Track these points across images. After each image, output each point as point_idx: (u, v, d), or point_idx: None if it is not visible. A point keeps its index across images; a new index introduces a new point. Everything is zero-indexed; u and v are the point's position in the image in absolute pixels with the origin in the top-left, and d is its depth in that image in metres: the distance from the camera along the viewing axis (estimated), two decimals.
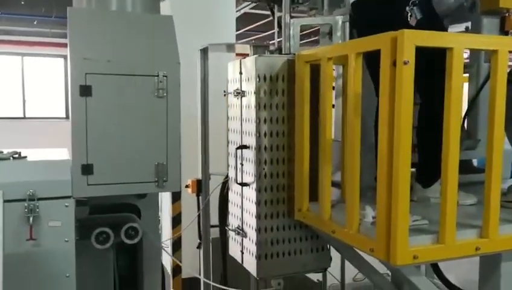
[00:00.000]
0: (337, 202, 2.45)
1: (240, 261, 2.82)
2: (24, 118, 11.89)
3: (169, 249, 4.62)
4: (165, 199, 4.91)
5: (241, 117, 2.71)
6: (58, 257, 2.07)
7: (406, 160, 1.75)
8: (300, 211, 2.51)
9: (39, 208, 2.02)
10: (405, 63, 1.71)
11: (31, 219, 1.99)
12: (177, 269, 4.70)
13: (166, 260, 4.84)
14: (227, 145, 2.95)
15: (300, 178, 2.49)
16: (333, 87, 2.96)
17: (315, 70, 2.47)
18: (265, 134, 2.54)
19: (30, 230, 2.00)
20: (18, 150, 2.26)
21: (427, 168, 2.42)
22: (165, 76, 2.18)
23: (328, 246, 2.74)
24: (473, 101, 3.01)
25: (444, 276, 3.93)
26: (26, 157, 2.21)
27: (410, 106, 1.75)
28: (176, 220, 4.62)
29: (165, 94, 2.19)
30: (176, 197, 4.60)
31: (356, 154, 2.03)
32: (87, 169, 2.11)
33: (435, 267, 3.91)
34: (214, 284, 3.22)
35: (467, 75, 3.20)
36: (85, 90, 2.07)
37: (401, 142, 1.74)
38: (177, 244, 4.62)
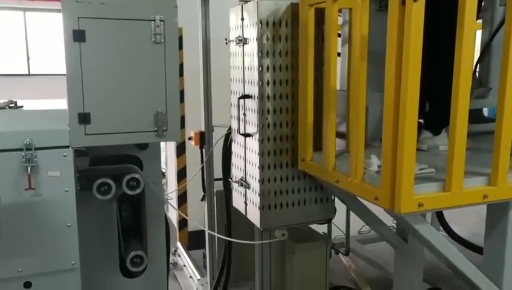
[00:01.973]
0: (341, 152, 2.40)
1: (244, 213, 2.81)
2: (29, 75, 11.82)
3: (175, 203, 4.64)
4: (170, 152, 4.89)
5: (243, 66, 2.63)
6: (59, 207, 2.05)
7: (413, 104, 1.67)
8: (304, 161, 2.46)
9: (37, 157, 1.98)
10: (415, 0, 1.60)
11: (29, 168, 1.95)
12: (183, 222, 4.74)
13: (172, 213, 4.88)
14: (230, 96, 2.88)
15: (304, 128, 2.43)
16: (339, 35, 2.86)
17: (320, 15, 2.36)
18: (268, 83, 2.47)
19: (29, 179, 1.96)
20: (14, 100, 2.20)
21: (437, 115, 2.34)
22: (162, 20, 2.07)
23: (333, 197, 2.71)
24: (485, 48, 2.89)
25: (449, 227, 3.93)
26: (22, 106, 2.16)
27: (420, 47, 1.66)
28: (181, 174, 4.61)
29: (162, 40, 2.09)
30: (181, 151, 4.58)
31: (362, 99, 1.95)
32: (84, 118, 2.06)
33: (441, 219, 3.90)
34: (219, 235, 3.23)
35: (480, 21, 3.07)
36: (78, 35, 1.98)
37: (409, 86, 1.66)
38: (182, 198, 4.63)
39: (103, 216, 2.49)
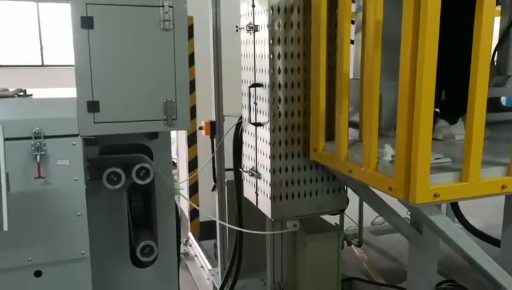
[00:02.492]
0: (353, 142, 2.35)
1: (255, 203, 2.77)
2: (42, 65, 11.90)
3: (186, 193, 4.63)
4: (181, 142, 4.88)
5: (254, 53, 2.58)
6: (68, 196, 2.04)
7: (429, 92, 1.61)
8: (316, 151, 2.42)
9: (46, 146, 1.96)
10: None
11: (38, 157, 1.94)
12: (194, 213, 4.73)
13: (184, 204, 4.87)
14: (241, 85, 2.83)
15: (316, 117, 2.38)
16: (353, 22, 2.79)
17: (333, 1, 2.30)
18: (279, 70, 2.42)
19: (38, 168, 1.95)
20: (23, 88, 2.19)
21: (453, 103, 2.28)
22: (171, 6, 2.03)
23: (345, 187, 2.66)
24: (504, 35, 2.80)
25: (464, 219, 3.86)
26: (31, 95, 2.14)
27: (436, 34, 1.59)
28: (192, 164, 4.60)
29: (171, 26, 2.05)
30: (192, 141, 4.56)
31: (375, 88, 1.89)
32: (93, 106, 2.03)
33: (456, 211, 3.83)
34: (230, 226, 3.21)
35: (499, 7, 2.98)
36: (86, 22, 1.95)
37: (425, 74, 1.60)
38: (193, 188, 4.62)
39: (113, 206, 2.48)
